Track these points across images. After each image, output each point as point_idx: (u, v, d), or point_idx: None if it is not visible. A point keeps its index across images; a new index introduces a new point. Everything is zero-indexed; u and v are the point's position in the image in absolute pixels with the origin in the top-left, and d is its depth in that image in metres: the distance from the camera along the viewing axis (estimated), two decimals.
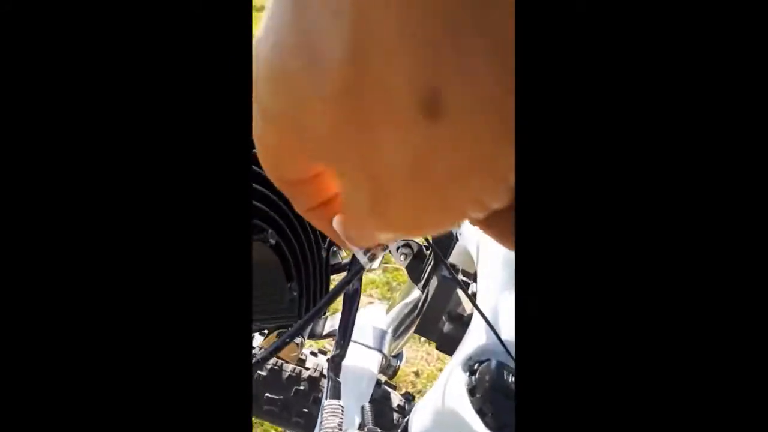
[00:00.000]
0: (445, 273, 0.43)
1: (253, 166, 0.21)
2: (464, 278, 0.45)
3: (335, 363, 0.36)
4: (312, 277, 0.27)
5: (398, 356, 0.56)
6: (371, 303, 1.36)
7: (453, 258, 0.48)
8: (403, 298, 0.55)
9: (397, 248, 0.42)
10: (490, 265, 0.42)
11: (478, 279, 0.43)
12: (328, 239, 0.30)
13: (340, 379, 0.31)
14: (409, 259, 0.43)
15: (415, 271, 0.44)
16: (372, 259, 0.15)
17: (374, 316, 0.56)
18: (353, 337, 0.47)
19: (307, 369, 0.52)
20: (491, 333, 0.30)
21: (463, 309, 0.47)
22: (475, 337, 0.33)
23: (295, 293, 0.25)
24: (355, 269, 0.28)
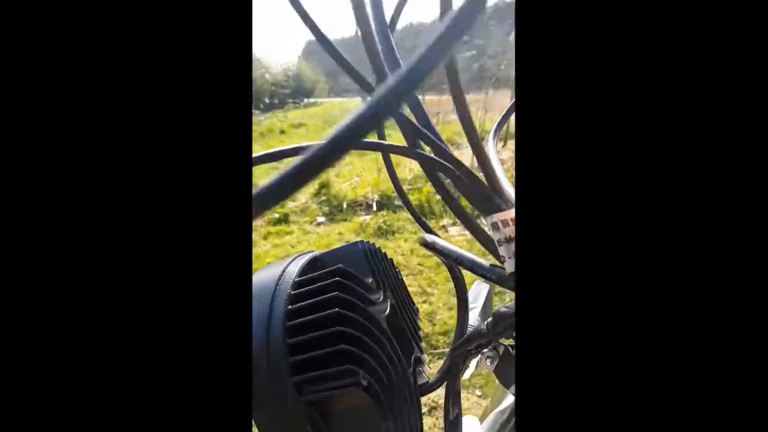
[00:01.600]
0: None
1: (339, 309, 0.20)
2: None
3: None
4: (405, 407, 0.25)
5: None
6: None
7: None
8: (496, 406, 0.50)
9: (483, 353, 0.39)
10: None
11: None
12: (412, 361, 0.29)
13: None
14: (496, 362, 0.38)
15: (505, 374, 0.39)
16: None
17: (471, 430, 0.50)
18: None
19: None
20: None
21: None
22: None
23: (390, 424, 0.24)
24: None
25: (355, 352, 0.22)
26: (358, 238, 2.74)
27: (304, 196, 3.27)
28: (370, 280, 0.28)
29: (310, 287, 0.25)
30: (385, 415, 0.23)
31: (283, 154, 0.21)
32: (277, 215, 2.96)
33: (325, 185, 3.30)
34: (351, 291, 0.25)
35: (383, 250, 0.32)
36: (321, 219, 2.96)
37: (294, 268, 0.27)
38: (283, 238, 2.72)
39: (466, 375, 0.29)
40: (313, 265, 0.28)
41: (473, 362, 0.33)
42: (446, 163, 0.19)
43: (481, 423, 0.51)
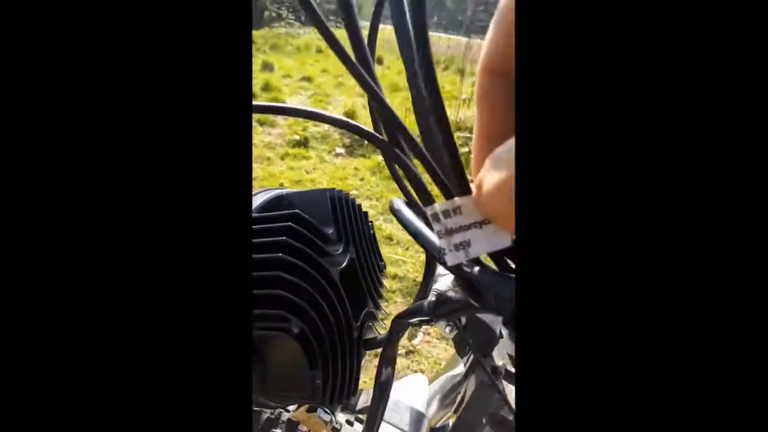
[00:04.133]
0: (485, 378, 0.39)
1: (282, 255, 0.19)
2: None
3: None
4: (341, 360, 0.25)
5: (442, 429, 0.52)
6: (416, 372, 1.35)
7: (497, 352, 0.44)
8: (448, 371, 0.51)
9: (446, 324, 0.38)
10: None
11: None
12: (361, 316, 0.28)
13: None
14: (456, 331, 0.38)
15: (462, 344, 0.40)
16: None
17: (416, 389, 0.52)
18: (389, 417, 0.45)
19: None
20: None
21: (508, 412, 0.41)
22: None
23: (318, 381, 0.24)
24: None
25: (292, 300, 0.22)
26: (374, 177, 2.74)
27: None
28: (330, 231, 0.27)
29: (262, 226, 0.24)
30: (313, 364, 0.23)
31: (284, 111, 0.20)
32: (297, 137, 2.94)
33: (350, 114, 3.22)
34: (301, 238, 0.24)
35: (359, 200, 0.31)
36: (340, 150, 2.92)
37: (255, 202, 0.26)
38: (299, 161, 2.72)
39: (417, 341, 0.29)
40: (277, 203, 0.27)
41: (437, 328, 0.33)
42: (398, 152, 0.17)
43: (430, 384, 0.53)
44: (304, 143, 2.91)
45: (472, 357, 0.41)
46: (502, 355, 0.41)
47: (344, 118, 0.21)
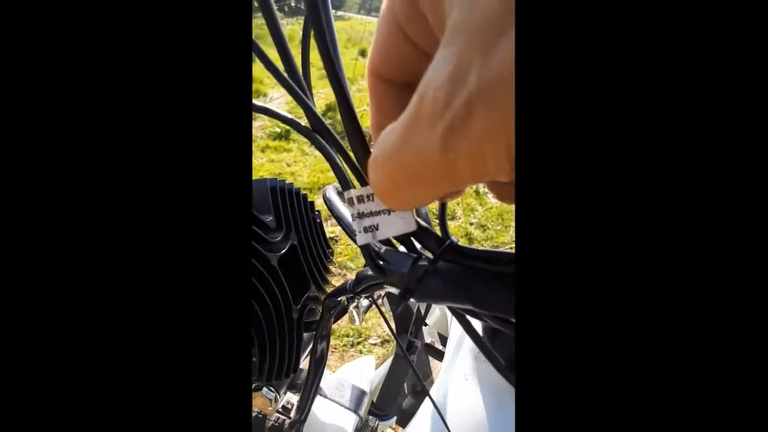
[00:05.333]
0: (398, 351, 0.40)
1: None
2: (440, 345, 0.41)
3: (296, 429, 0.35)
4: (279, 340, 0.26)
5: (385, 416, 0.52)
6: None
7: (431, 319, 0.45)
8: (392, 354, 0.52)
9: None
10: (459, 334, 0.36)
11: (447, 347, 0.37)
12: (303, 298, 0.29)
13: None
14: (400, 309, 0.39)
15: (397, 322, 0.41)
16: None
17: (362, 370, 0.54)
18: (332, 395, 0.47)
19: (290, 418, 0.49)
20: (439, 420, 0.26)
21: (431, 381, 0.42)
22: (422, 424, 0.29)
23: (255, 359, 0.25)
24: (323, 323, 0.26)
25: None
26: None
27: None
28: (270, 218, 0.28)
29: None
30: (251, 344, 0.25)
31: (278, 117, 0.22)
32: (278, 129, 2.92)
33: (332, 108, 3.21)
34: None
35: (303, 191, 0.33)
36: None
37: None
38: (280, 154, 2.70)
39: (357, 322, 0.31)
40: None
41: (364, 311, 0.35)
42: (317, 136, 0.19)
43: (377, 368, 0.55)
44: (285, 136, 2.89)
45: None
46: (432, 333, 0.44)
47: (272, 108, 0.22)
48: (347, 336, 1.46)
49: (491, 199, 2.32)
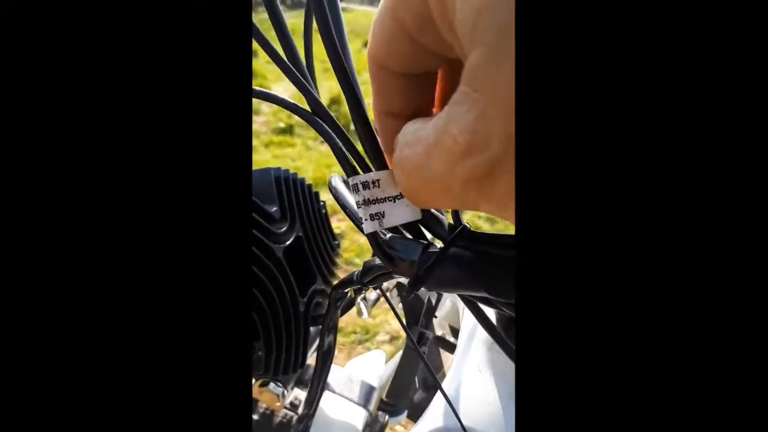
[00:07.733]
0: (409, 343, 0.40)
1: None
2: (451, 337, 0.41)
3: (304, 424, 0.34)
4: (285, 333, 0.26)
5: (396, 411, 0.52)
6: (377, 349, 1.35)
7: (441, 311, 0.44)
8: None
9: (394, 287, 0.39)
10: (472, 325, 0.35)
11: (459, 338, 0.35)
12: (310, 290, 0.29)
13: None
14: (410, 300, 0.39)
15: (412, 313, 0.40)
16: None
17: (372, 365, 0.53)
18: (340, 390, 0.47)
19: (298, 414, 0.48)
20: (452, 414, 0.25)
21: (443, 374, 0.41)
22: (434, 418, 0.28)
23: (260, 353, 0.25)
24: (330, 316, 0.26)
25: None
26: None
27: None
28: (274, 209, 0.28)
29: None
30: (255, 337, 0.24)
31: (280, 102, 0.21)
32: (282, 125, 2.91)
33: (336, 101, 3.20)
34: None
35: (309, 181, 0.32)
36: None
37: None
38: (284, 149, 2.70)
39: (365, 315, 0.30)
40: None
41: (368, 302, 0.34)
42: (319, 121, 0.18)
43: (387, 362, 0.55)
44: (288, 130, 2.89)
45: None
46: (443, 325, 0.43)
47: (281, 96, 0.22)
48: (354, 333, 1.46)
49: None
